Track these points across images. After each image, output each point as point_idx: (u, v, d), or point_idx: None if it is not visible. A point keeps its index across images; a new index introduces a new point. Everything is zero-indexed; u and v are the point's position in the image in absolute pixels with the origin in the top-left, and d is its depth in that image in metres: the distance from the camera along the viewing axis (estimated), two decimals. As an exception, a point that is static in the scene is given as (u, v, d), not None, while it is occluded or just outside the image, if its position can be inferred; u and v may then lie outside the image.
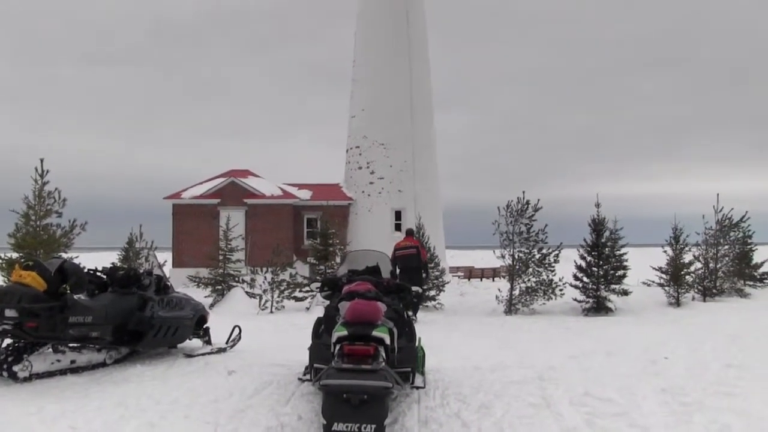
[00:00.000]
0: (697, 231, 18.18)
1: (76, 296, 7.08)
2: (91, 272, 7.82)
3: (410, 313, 13.50)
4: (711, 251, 18.15)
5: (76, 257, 13.22)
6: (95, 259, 14.17)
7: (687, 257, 17.07)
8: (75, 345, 7.29)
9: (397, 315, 6.09)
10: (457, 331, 11.84)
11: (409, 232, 14.95)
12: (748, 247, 19.39)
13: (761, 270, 19.66)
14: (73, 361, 7.16)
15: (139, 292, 7.87)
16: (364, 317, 5.29)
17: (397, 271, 13.13)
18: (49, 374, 6.85)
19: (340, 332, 5.24)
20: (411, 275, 12.75)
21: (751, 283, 19.15)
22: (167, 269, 18.03)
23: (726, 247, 18.65)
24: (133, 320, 7.63)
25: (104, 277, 7.92)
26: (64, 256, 13.35)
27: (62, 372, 6.99)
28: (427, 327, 11.75)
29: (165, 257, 16.52)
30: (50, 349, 7.11)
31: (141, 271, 8.34)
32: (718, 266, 18.12)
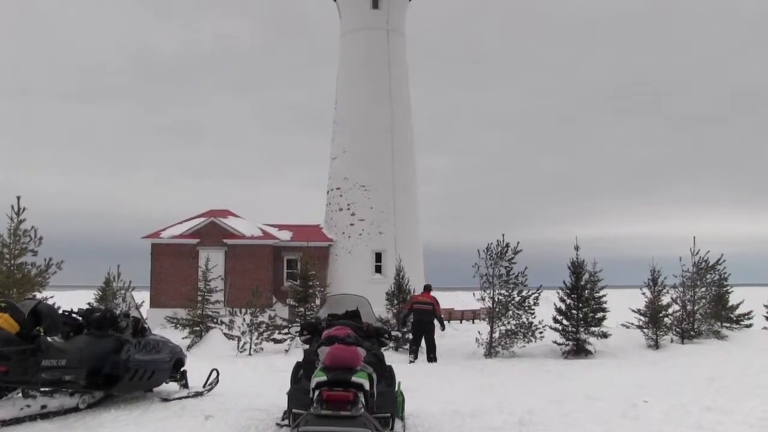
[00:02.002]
0: (674, 273, 18.42)
1: (50, 338, 6.94)
2: (66, 314, 7.69)
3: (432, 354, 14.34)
4: (688, 293, 18.34)
5: (52, 297, 13.00)
6: (71, 299, 13.94)
7: (665, 299, 17.24)
8: (47, 389, 7.10)
9: (377, 359, 6.06)
10: (437, 374, 11.76)
11: (427, 288, 15.79)
12: (725, 289, 19.64)
13: (738, 312, 19.88)
14: (44, 407, 6.93)
15: (116, 334, 7.73)
16: (343, 362, 5.27)
17: (411, 319, 14.88)
18: (17, 421, 6.57)
19: (319, 377, 5.20)
20: (426, 327, 14.66)
21: (728, 325, 19.32)
22: (144, 310, 17.79)
23: (703, 289, 18.86)
24: (109, 363, 7.48)
25: (80, 318, 7.79)
26: (39, 296, 13.12)
27: (32, 418, 6.73)
28: (406, 370, 11.65)
29: (143, 297, 16.33)
30: (20, 394, 6.91)
31: (118, 312, 8.21)
32: (695, 308, 18.29)
